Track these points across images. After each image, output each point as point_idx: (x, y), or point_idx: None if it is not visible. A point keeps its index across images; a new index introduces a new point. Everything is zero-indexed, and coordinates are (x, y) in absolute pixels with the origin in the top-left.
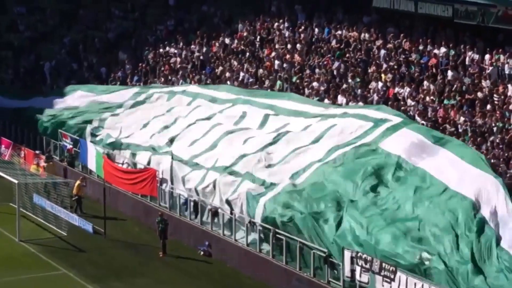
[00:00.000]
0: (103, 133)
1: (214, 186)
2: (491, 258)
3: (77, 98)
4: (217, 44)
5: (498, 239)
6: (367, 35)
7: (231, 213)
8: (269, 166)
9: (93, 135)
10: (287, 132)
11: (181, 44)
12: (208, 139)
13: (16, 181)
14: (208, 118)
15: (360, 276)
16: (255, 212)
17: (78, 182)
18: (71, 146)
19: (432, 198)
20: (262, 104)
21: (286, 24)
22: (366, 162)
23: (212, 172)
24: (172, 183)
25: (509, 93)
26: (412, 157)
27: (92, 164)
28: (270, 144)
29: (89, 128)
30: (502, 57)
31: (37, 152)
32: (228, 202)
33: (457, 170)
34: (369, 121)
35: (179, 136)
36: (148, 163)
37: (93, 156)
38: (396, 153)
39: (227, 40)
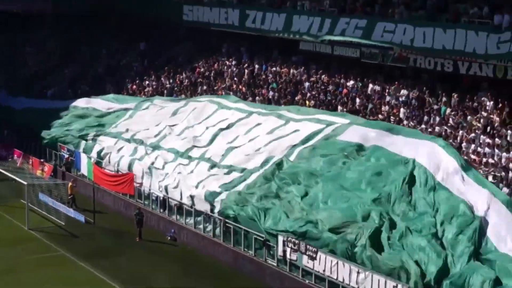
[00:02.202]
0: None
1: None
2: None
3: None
4: (180, 77)
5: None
6: (295, 71)
7: (191, 207)
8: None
9: (85, 151)
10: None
11: (153, 77)
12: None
13: (25, 183)
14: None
15: (290, 255)
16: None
17: (70, 183)
18: (68, 155)
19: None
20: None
21: (233, 62)
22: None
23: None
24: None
25: (401, 115)
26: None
27: (84, 170)
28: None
29: (82, 145)
30: (396, 88)
31: (42, 160)
32: (191, 197)
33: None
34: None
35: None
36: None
37: (85, 163)
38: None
39: (188, 75)
